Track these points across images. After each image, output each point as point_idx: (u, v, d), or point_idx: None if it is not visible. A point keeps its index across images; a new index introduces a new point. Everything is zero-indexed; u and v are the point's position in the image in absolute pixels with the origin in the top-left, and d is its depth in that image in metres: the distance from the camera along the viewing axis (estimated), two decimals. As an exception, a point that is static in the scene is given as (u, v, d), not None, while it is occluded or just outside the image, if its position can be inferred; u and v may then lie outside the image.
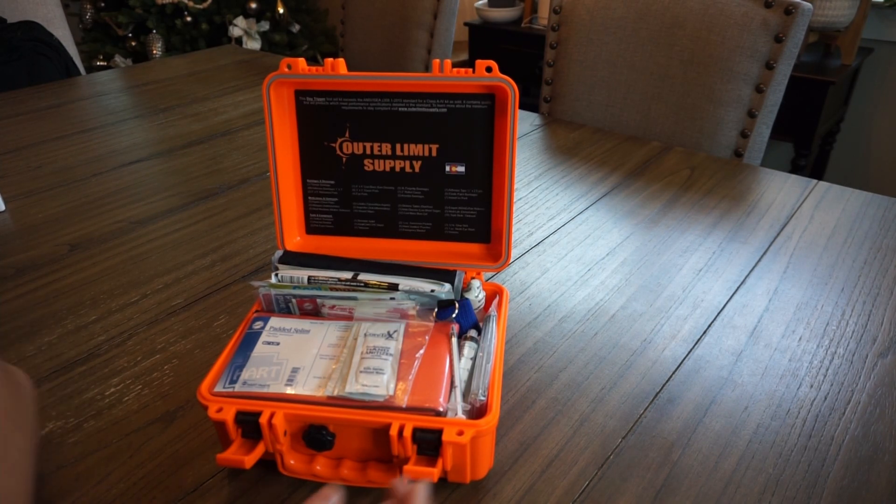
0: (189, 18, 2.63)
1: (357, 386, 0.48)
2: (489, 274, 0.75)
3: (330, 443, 0.48)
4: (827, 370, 0.60)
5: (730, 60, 1.11)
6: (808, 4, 1.04)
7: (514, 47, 2.52)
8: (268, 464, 0.51)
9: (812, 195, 0.92)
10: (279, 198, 0.60)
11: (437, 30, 1.59)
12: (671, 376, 0.60)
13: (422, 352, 0.52)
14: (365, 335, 0.53)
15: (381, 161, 0.59)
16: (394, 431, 0.46)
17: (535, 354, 0.63)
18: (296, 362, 0.51)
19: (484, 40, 2.61)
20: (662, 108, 1.22)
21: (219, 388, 0.50)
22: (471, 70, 0.54)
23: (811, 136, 1.95)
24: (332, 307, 0.57)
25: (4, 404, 0.47)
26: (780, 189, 0.94)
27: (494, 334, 0.55)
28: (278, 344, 0.53)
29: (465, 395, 0.51)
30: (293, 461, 0.49)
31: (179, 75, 1.56)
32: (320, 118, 0.58)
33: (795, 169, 2.01)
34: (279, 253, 0.60)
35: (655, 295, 0.71)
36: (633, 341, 0.64)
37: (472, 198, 0.59)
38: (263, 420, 0.46)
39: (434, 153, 0.58)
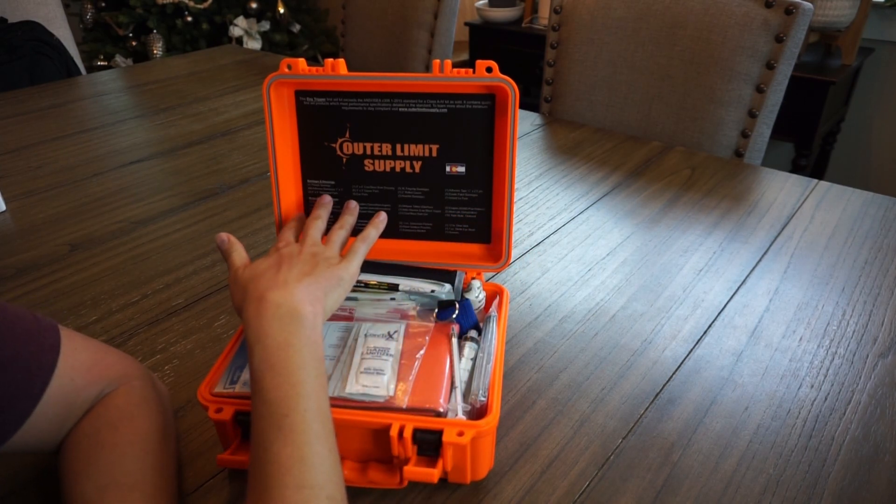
0: (190, 18, 2.63)
1: (357, 386, 0.48)
2: (489, 274, 0.75)
3: (330, 443, 0.48)
4: (827, 370, 0.60)
5: (730, 60, 1.11)
6: (809, 4, 1.04)
7: (515, 47, 2.51)
8: (268, 464, 0.50)
9: (813, 195, 0.91)
10: (279, 198, 0.60)
11: (437, 30, 1.59)
12: (671, 376, 0.60)
13: (422, 352, 0.52)
14: (365, 336, 0.53)
15: (382, 161, 0.59)
16: (394, 432, 0.46)
17: (535, 355, 0.63)
18: (296, 363, 0.51)
19: (484, 40, 2.61)
20: (663, 107, 1.22)
21: (219, 389, 0.50)
22: (471, 70, 0.53)
23: (812, 135, 1.95)
24: (333, 307, 0.57)
25: (167, 426, 0.50)
26: (781, 189, 0.94)
27: (495, 335, 0.55)
28: (278, 344, 0.53)
29: (466, 395, 0.50)
30: (293, 461, 0.49)
31: (180, 75, 1.56)
32: (320, 118, 0.58)
33: (796, 169, 2.01)
34: (279, 253, 0.60)
35: (656, 295, 0.71)
36: (633, 341, 0.64)
37: (472, 198, 0.59)
38: (264, 420, 0.46)
39: (434, 153, 0.58)
